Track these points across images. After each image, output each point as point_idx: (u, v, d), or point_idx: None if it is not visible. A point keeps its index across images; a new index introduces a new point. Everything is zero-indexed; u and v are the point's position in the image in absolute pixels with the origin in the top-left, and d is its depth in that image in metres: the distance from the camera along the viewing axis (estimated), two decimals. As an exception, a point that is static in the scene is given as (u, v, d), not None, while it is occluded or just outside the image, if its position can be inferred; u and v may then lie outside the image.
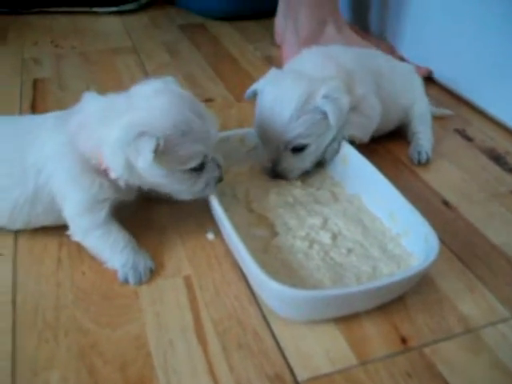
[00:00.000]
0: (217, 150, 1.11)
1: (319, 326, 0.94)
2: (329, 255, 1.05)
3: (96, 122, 0.99)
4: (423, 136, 1.41)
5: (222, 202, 1.07)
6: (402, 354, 0.91)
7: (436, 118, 1.53)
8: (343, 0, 2.04)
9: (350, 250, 1.06)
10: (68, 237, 1.05)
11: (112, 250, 1.03)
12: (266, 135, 1.20)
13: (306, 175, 1.26)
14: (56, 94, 1.71)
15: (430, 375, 0.87)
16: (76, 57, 2.02)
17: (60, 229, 1.07)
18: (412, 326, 0.95)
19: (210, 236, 1.14)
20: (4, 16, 2.41)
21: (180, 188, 1.04)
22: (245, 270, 1.02)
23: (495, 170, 1.39)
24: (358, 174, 1.20)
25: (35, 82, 1.79)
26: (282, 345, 0.91)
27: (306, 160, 1.22)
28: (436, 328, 0.95)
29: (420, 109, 1.45)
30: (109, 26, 2.38)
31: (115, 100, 1.01)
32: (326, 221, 1.13)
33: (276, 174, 1.23)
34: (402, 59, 1.81)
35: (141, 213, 1.18)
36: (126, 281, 1.02)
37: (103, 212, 1.03)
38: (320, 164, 1.27)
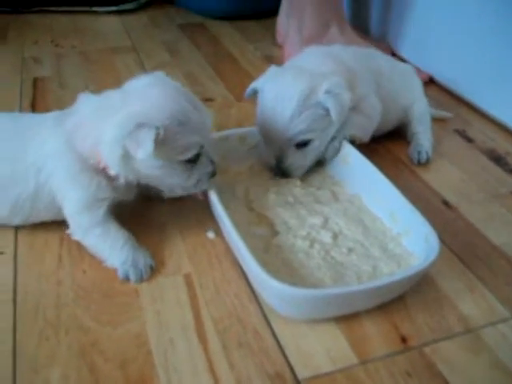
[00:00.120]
0: (216, 149, 1.11)
1: (320, 325, 0.95)
2: (329, 254, 1.05)
3: (92, 122, 0.99)
4: (423, 136, 1.42)
5: (222, 201, 1.07)
6: (402, 354, 0.91)
7: (436, 119, 1.53)
8: (345, 2, 2.04)
9: (350, 250, 1.06)
10: (68, 235, 1.05)
11: (111, 248, 1.03)
12: (268, 133, 1.20)
13: (306, 174, 1.26)
14: (56, 93, 1.71)
15: (429, 375, 0.87)
16: (76, 56, 2.02)
17: (60, 226, 1.08)
18: (412, 326, 0.95)
19: (211, 234, 1.14)
20: (4, 15, 2.41)
21: (174, 182, 1.04)
22: (245, 269, 1.02)
23: (496, 170, 1.39)
24: (359, 173, 1.20)
25: (35, 81, 1.79)
26: (283, 343, 0.91)
27: (310, 156, 1.22)
28: (436, 327, 0.95)
29: (419, 109, 1.45)
30: (108, 25, 2.38)
31: (109, 97, 1.02)
32: (326, 220, 1.13)
33: (281, 171, 1.23)
34: (402, 61, 1.81)
35: (141, 211, 1.18)
36: (127, 278, 1.02)
37: (102, 210, 1.03)
38: (320, 163, 1.27)
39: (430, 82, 1.82)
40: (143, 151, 0.92)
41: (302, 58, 1.32)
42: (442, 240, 1.00)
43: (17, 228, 1.13)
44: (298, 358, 0.89)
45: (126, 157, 0.96)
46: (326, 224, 1.12)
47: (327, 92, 1.16)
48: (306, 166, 1.24)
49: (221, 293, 1.01)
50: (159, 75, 1.06)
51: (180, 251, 1.10)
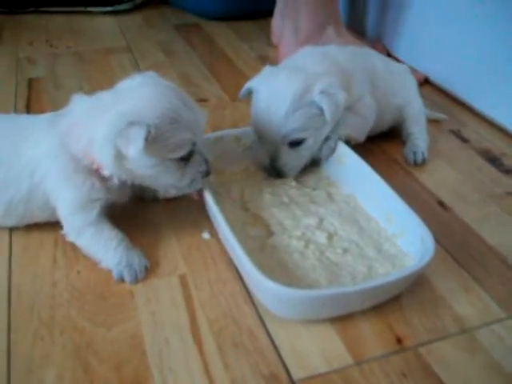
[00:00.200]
0: (211, 149, 1.11)
1: (315, 326, 0.94)
2: (324, 255, 1.05)
3: (84, 122, 0.99)
4: (419, 136, 1.42)
5: (217, 202, 1.07)
6: (398, 354, 0.91)
7: (430, 120, 1.53)
8: (340, 4, 2.04)
9: (345, 250, 1.06)
10: (63, 236, 1.05)
11: (105, 248, 1.03)
12: (263, 131, 1.20)
13: (301, 175, 1.26)
14: (51, 94, 1.71)
15: (425, 375, 0.87)
16: (71, 56, 2.02)
17: (55, 227, 1.07)
18: (407, 326, 0.95)
19: (206, 235, 1.13)
20: (-1, 15, 2.41)
21: (167, 181, 1.04)
22: (240, 269, 1.02)
23: (491, 171, 1.39)
24: (354, 174, 1.20)
25: (30, 82, 1.79)
26: (278, 344, 0.91)
27: (304, 156, 1.22)
28: (431, 328, 0.95)
29: (414, 109, 1.45)
30: (104, 25, 2.37)
31: (101, 98, 1.02)
32: (321, 221, 1.13)
33: (275, 171, 1.22)
34: (397, 61, 1.81)
35: (136, 212, 1.18)
36: (122, 279, 1.02)
37: (95, 211, 1.03)
38: (315, 164, 1.27)
39: (425, 83, 1.82)
40: (134, 149, 0.92)
41: (297, 58, 1.32)
42: (437, 240, 1.00)
43: (11, 229, 1.13)
44: (293, 359, 0.89)
45: (119, 156, 0.96)
46: (320, 224, 1.12)
47: (322, 92, 1.16)
48: (299, 166, 1.24)
49: (216, 293, 1.01)
50: (151, 75, 1.06)
51: (175, 252, 1.10)
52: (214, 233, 1.13)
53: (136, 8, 2.55)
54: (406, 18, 1.92)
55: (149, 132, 0.92)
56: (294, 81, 1.18)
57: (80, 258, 1.06)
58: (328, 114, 1.16)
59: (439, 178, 1.35)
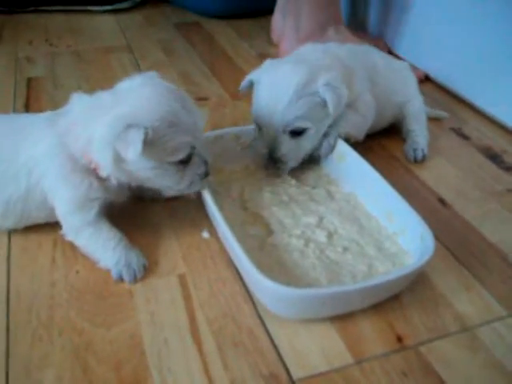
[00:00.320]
0: (211, 148, 1.11)
1: (315, 325, 0.94)
2: (324, 253, 1.04)
3: (83, 122, 0.99)
4: (419, 133, 1.41)
5: (216, 201, 1.07)
6: (398, 353, 0.90)
7: (431, 117, 1.53)
8: (342, 3, 2.04)
9: (345, 249, 1.06)
10: (62, 236, 1.05)
11: (104, 248, 1.03)
12: (264, 120, 1.19)
13: (301, 173, 1.26)
14: (50, 93, 1.71)
15: (425, 374, 0.87)
16: (70, 55, 2.02)
17: (54, 228, 1.07)
18: (408, 325, 0.95)
19: (205, 234, 1.13)
20: (-1, 15, 2.41)
21: (166, 184, 1.04)
22: (240, 269, 1.01)
23: (491, 168, 1.39)
24: (355, 172, 1.20)
25: (29, 81, 1.79)
26: (277, 343, 0.91)
27: (303, 147, 1.22)
28: (432, 326, 0.95)
29: (415, 106, 1.45)
30: (103, 24, 2.37)
31: (100, 98, 1.01)
32: (321, 219, 1.12)
33: (273, 161, 1.21)
34: (399, 58, 1.81)
35: (135, 212, 1.18)
36: (121, 279, 1.02)
37: (93, 210, 1.03)
38: (315, 161, 1.27)
39: (425, 80, 1.82)
40: (132, 152, 0.92)
41: (300, 53, 1.32)
42: (437, 238, 1.00)
43: (10, 230, 1.12)
44: (293, 358, 0.89)
45: (118, 159, 0.96)
46: (320, 223, 1.11)
47: (326, 84, 1.16)
48: (298, 157, 1.23)
49: (215, 293, 1.00)
50: (151, 75, 1.05)
51: (174, 251, 1.09)
52: (213, 232, 1.13)
53: (136, 6, 2.55)
54: (408, 17, 1.92)
55: (146, 134, 0.92)
56: (298, 71, 1.18)
57: (79, 258, 1.06)
58: (331, 107, 1.16)
59: (440, 176, 1.35)
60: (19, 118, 1.17)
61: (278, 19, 2.10)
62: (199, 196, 1.09)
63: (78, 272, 1.04)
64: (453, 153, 1.45)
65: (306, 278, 0.99)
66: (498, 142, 1.51)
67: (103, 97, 1.01)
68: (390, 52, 1.95)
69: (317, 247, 1.06)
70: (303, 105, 1.17)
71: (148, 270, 1.04)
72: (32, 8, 2.45)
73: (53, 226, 1.08)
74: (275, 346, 0.91)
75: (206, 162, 1.05)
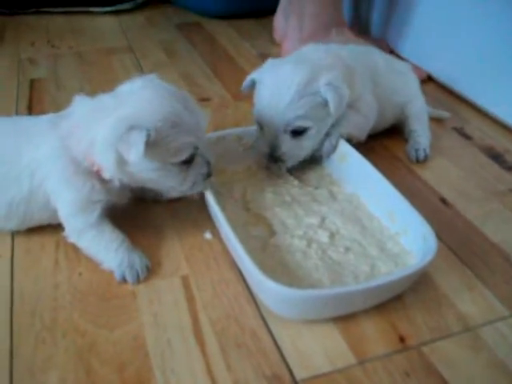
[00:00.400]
0: (213, 149, 1.11)
1: (317, 325, 0.94)
2: (327, 254, 1.04)
3: (86, 125, 0.99)
4: (421, 133, 1.41)
5: (218, 202, 1.07)
6: (401, 353, 0.90)
7: (433, 117, 1.53)
8: (345, 4, 2.04)
9: (347, 249, 1.06)
10: (64, 238, 1.05)
11: (106, 250, 1.03)
12: (265, 119, 1.19)
13: (303, 173, 1.26)
14: (52, 94, 1.71)
15: (428, 374, 0.87)
16: (72, 57, 2.02)
17: (57, 230, 1.07)
18: (410, 325, 0.95)
19: (208, 235, 1.13)
20: (1, 16, 2.41)
21: (169, 184, 1.04)
22: (242, 270, 1.02)
23: (494, 168, 1.39)
24: (357, 172, 1.20)
25: (32, 83, 1.79)
26: (280, 344, 0.91)
27: (304, 146, 1.22)
28: (434, 327, 0.95)
29: (416, 106, 1.44)
30: (105, 25, 2.37)
31: (103, 100, 1.02)
32: (323, 220, 1.12)
33: (273, 160, 1.21)
34: (402, 60, 1.81)
35: (137, 213, 1.18)
36: (124, 280, 1.02)
37: (96, 212, 1.03)
38: (317, 162, 1.27)
39: (428, 80, 1.82)
40: (135, 153, 0.92)
41: (301, 53, 1.32)
42: (439, 238, 1.00)
43: (13, 232, 1.13)
44: (296, 359, 0.89)
45: (120, 161, 0.96)
46: (323, 223, 1.11)
47: (327, 84, 1.16)
48: (299, 157, 1.23)
49: (218, 294, 1.00)
50: (152, 77, 1.05)
51: (177, 252, 1.10)
52: (215, 233, 1.13)
53: (137, 7, 2.55)
54: (411, 18, 1.92)
55: (149, 135, 0.92)
56: (300, 71, 1.18)
57: (82, 260, 1.06)
58: (333, 106, 1.16)
59: (442, 175, 1.35)
60: (22, 121, 1.17)
61: (280, 19, 2.10)
62: (201, 197, 1.10)
63: (80, 274, 1.04)
64: (455, 153, 1.45)
65: (309, 279, 0.99)
66: (500, 141, 1.51)
67: (105, 99, 1.01)
68: (393, 52, 1.95)
69: (319, 248, 1.06)
70: (304, 104, 1.17)
71: (151, 271, 1.04)
72: (33, 9, 2.45)
73: (55, 227, 1.08)
74: (278, 347, 0.91)
75: (208, 163, 1.06)
